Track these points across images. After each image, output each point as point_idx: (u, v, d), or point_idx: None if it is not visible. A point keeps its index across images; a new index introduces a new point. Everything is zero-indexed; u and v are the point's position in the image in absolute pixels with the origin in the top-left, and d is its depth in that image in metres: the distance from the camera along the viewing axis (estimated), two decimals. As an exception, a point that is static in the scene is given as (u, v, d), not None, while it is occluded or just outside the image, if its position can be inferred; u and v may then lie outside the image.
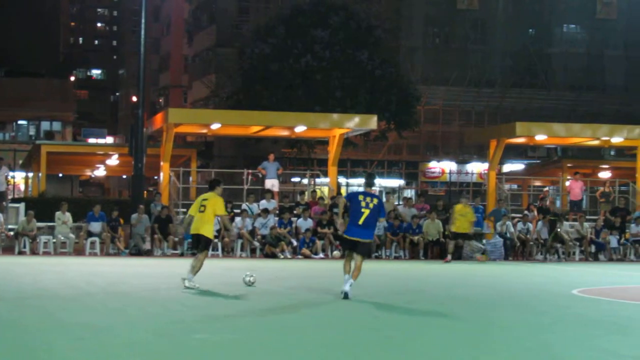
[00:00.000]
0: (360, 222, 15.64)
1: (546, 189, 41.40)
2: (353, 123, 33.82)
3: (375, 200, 15.81)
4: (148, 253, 28.99)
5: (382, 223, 28.45)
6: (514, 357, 10.45)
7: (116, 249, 29.09)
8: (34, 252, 28.61)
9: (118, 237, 29.38)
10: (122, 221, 29.91)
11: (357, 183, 49.83)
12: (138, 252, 28.95)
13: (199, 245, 17.09)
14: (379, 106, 44.24)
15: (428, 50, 64.57)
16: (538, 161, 57.82)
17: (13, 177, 43.07)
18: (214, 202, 17.02)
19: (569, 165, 44.68)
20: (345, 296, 15.28)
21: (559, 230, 31.17)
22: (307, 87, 44.45)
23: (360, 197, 15.80)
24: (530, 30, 67.92)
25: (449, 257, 28.43)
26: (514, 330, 12.62)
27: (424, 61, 63.28)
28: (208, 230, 17.04)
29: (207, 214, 16.95)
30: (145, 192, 36.19)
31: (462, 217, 28.82)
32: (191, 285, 16.64)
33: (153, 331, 11.57)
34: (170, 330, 11.65)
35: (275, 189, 32.52)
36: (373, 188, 17.07)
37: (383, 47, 48.12)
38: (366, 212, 15.66)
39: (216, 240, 29.49)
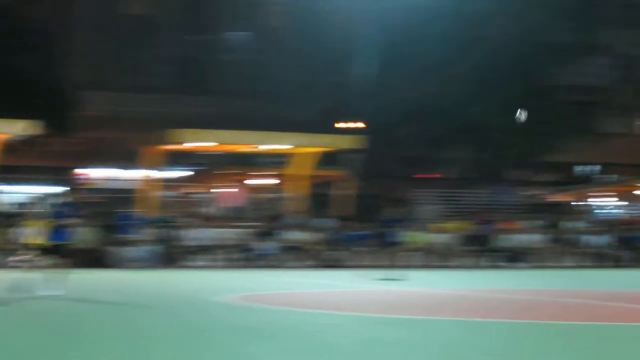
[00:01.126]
0: (52, 228, 18.03)
1: (205, 195, 41.86)
2: (6, 129, 32.61)
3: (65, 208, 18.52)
4: None
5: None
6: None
7: None
8: None
9: None
10: None
11: (8, 190, 47.90)
12: None
13: None
14: (35, 111, 42.80)
15: (92, 54, 63.26)
16: (199, 168, 58.20)
17: None
18: None
19: (228, 172, 45.39)
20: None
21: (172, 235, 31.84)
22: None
23: (54, 206, 18.65)
24: (201, 36, 68.30)
25: None
26: (161, 339, 12.42)
27: (88, 66, 61.93)
28: None
29: None
30: None
31: None
32: None
33: None
34: None
35: None
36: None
37: (44, 51, 46.76)
38: (51, 220, 18.15)
39: None
